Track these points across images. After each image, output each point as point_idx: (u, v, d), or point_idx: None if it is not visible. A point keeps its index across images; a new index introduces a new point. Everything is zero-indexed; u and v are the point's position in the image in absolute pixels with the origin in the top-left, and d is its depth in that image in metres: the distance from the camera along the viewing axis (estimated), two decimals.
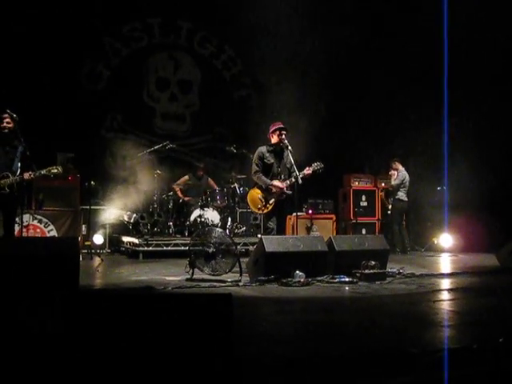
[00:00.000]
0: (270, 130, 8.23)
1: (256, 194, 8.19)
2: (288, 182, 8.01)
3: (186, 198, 11.64)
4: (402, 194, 12.20)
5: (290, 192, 8.10)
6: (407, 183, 12.24)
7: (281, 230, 8.21)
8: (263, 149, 8.25)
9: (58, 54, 11.82)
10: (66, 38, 11.90)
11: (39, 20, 11.61)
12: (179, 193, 11.77)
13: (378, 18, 12.99)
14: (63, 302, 2.80)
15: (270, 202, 8.02)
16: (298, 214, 9.65)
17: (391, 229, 12.23)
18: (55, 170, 7.77)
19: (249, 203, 8.50)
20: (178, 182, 11.96)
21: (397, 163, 12.40)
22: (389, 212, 12.64)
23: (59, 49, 11.84)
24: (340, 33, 12.74)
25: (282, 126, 8.19)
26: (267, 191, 8.06)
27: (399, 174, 12.24)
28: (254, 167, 8.25)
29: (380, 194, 13.05)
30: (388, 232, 12.08)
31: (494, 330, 4.27)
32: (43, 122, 11.24)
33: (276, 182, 8.05)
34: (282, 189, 8.01)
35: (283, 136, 8.08)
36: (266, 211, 8.14)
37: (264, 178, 8.11)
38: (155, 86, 13.88)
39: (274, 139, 8.17)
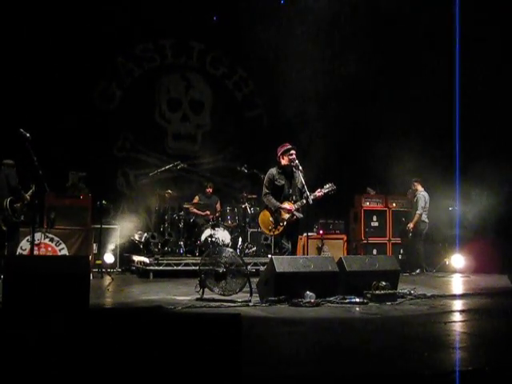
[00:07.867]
0: (279, 153, 8.15)
1: (266, 215, 8.17)
2: (299, 203, 7.99)
3: (204, 213, 11.60)
4: (424, 216, 12.08)
5: (300, 215, 8.07)
6: (427, 204, 12.10)
7: (292, 252, 8.17)
8: (273, 171, 8.20)
9: (72, 73, 11.94)
10: (80, 57, 12.01)
11: (53, 40, 11.73)
12: (195, 210, 11.68)
13: (391, 57, 13.04)
14: (73, 320, 2.80)
15: (281, 223, 7.99)
16: (309, 234, 9.62)
17: (415, 250, 12.12)
18: None
19: (260, 225, 8.50)
20: (190, 203, 11.81)
21: (416, 184, 12.25)
22: (410, 234, 12.39)
23: (72, 68, 11.96)
24: (355, 60, 12.77)
25: (290, 146, 8.14)
26: (277, 213, 8.05)
27: (419, 196, 12.11)
28: (264, 189, 8.21)
29: (402, 219, 12.84)
30: (411, 253, 12.10)
31: (506, 352, 4.22)
32: (56, 141, 11.33)
33: (285, 205, 8.03)
34: (290, 211, 7.99)
35: (293, 156, 8.05)
36: (276, 232, 8.10)
37: (273, 200, 8.06)
38: (167, 106, 13.94)
39: (285, 161, 8.10)
